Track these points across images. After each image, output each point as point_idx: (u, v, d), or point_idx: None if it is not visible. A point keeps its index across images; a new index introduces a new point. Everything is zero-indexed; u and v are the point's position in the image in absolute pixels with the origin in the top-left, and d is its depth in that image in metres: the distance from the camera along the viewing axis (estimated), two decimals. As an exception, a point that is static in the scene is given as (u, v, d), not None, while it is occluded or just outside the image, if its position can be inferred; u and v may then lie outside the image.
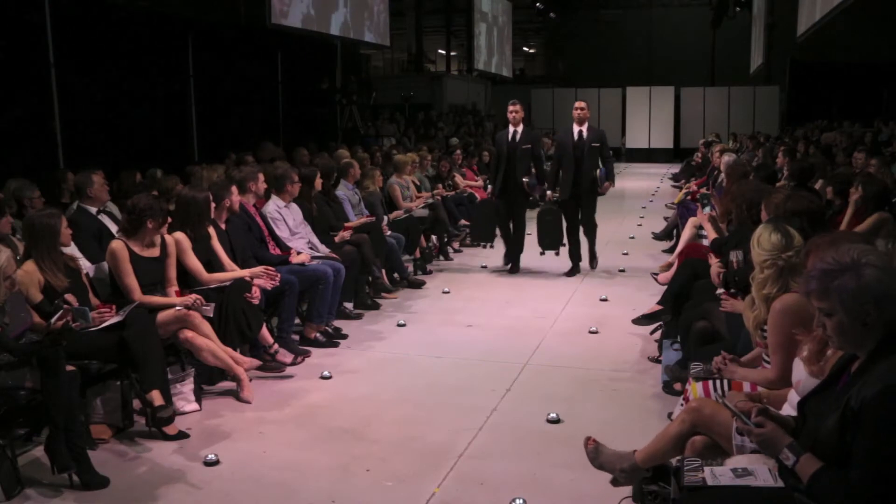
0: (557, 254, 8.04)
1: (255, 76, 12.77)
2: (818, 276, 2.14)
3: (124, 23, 9.88)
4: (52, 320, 3.73)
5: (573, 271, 7.99)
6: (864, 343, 2.14)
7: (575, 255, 8.02)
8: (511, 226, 8.16)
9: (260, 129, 12.56)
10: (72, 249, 4.70)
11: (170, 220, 4.74)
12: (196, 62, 11.14)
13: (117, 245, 4.53)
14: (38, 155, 8.31)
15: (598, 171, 7.89)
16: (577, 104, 7.93)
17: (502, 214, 8.15)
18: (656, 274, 6.62)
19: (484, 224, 8.55)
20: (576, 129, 7.85)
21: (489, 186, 8.55)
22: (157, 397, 3.98)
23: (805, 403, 2.34)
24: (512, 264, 8.16)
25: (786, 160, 8.91)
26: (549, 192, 8.07)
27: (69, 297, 4.02)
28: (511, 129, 7.97)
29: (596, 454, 3.06)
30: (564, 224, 7.99)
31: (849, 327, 2.11)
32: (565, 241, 8.02)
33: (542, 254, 8.17)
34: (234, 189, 5.44)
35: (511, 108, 8.00)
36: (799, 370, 2.73)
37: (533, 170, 8.11)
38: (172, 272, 4.72)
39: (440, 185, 9.75)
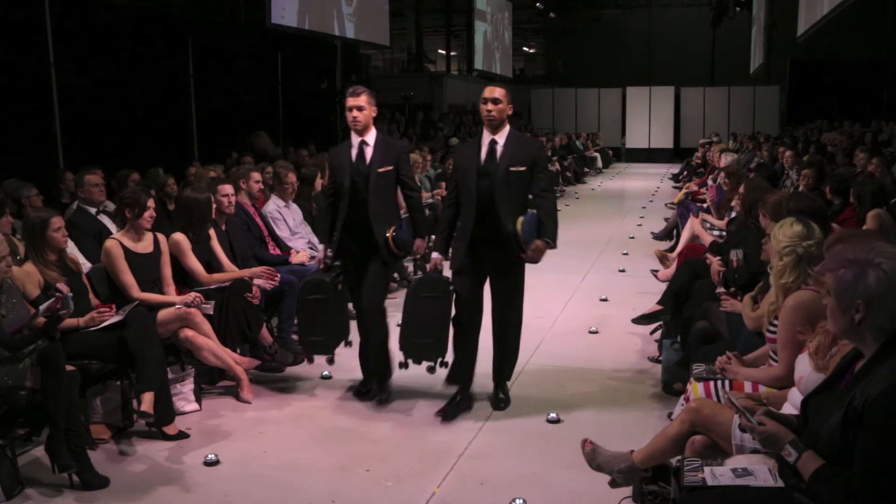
0: (433, 369, 4.37)
1: (255, 76, 12.78)
2: (836, 258, 2.19)
3: (124, 23, 9.88)
4: (41, 307, 3.71)
5: (454, 408, 4.35)
6: (858, 339, 2.16)
7: (464, 372, 4.43)
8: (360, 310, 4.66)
9: (260, 129, 12.56)
10: (72, 250, 4.71)
11: (154, 212, 4.67)
12: (196, 62, 11.14)
13: (111, 243, 4.54)
14: (38, 155, 8.32)
15: (523, 217, 4.10)
16: (485, 93, 4.31)
17: (344, 292, 4.65)
18: (656, 271, 6.62)
19: (320, 321, 4.52)
20: (485, 139, 4.31)
21: (321, 249, 4.83)
22: (146, 400, 3.95)
23: (807, 402, 2.35)
24: (366, 382, 4.69)
25: (797, 168, 8.78)
26: (434, 255, 4.49)
27: (61, 285, 3.97)
28: (355, 139, 4.51)
29: (593, 455, 3.07)
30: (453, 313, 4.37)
31: (838, 315, 2.15)
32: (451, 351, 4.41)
33: (403, 365, 4.40)
34: (225, 188, 5.39)
35: (350, 101, 4.46)
36: (802, 366, 2.74)
37: (402, 211, 4.85)
38: (167, 271, 4.71)
39: (442, 185, 9.76)
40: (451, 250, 4.50)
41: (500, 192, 4.19)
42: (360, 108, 4.44)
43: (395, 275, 7.29)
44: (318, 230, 4.85)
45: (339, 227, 4.51)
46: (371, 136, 4.52)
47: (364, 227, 4.42)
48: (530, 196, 4.32)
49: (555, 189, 4.45)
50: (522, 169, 4.25)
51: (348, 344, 4.72)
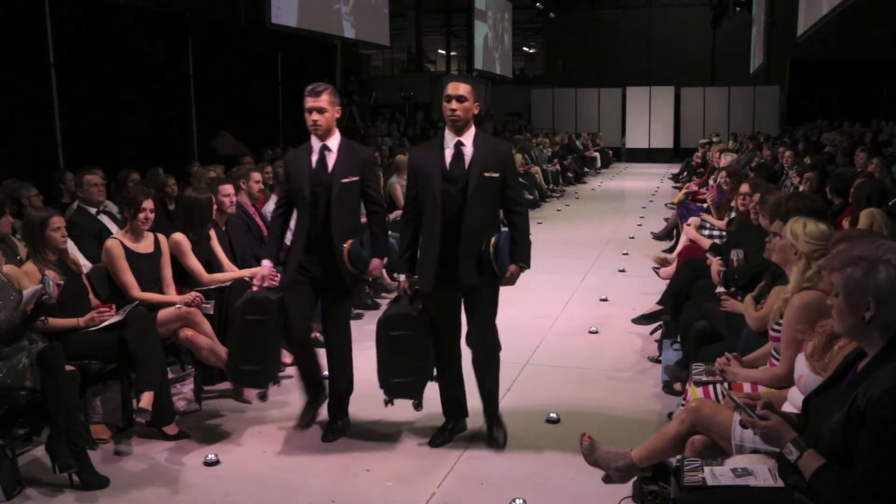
0: (419, 406, 4.04)
1: (255, 76, 12.78)
2: (841, 257, 2.17)
3: (124, 23, 9.89)
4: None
5: (448, 432, 4.09)
6: (864, 338, 2.15)
7: (453, 402, 4.11)
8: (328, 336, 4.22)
9: (260, 129, 12.57)
10: (72, 250, 4.71)
11: (150, 213, 4.63)
12: (196, 62, 11.15)
13: (111, 243, 4.54)
14: (38, 155, 8.32)
15: (496, 237, 3.79)
16: (448, 89, 3.82)
17: (300, 316, 4.04)
18: (657, 268, 6.62)
19: (256, 348, 3.98)
20: (449, 140, 3.85)
21: (266, 265, 4.19)
22: (145, 399, 3.94)
23: (809, 401, 2.34)
24: (328, 430, 4.15)
25: (797, 168, 8.73)
26: (401, 279, 4.06)
27: (49, 272, 3.92)
28: (315, 143, 4.03)
29: (591, 451, 3.06)
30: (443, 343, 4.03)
31: (847, 314, 2.13)
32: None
33: (388, 402, 4.04)
34: (225, 188, 5.39)
35: (309, 101, 3.96)
36: (802, 364, 2.74)
37: (365, 225, 4.19)
38: (168, 271, 4.71)
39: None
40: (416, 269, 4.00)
41: (474, 200, 3.76)
42: (320, 111, 3.95)
43: (396, 275, 7.27)
44: (270, 244, 4.31)
45: (298, 244, 4.02)
46: (334, 141, 4.03)
47: (326, 245, 3.95)
48: (501, 208, 3.94)
49: (525, 203, 4.07)
50: (496, 175, 3.82)
51: (276, 382, 4.22)
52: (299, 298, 4.00)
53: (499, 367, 4.05)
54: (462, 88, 3.79)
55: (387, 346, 3.91)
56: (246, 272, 5.07)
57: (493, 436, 4.01)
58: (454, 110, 3.79)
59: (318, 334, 5.60)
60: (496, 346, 3.99)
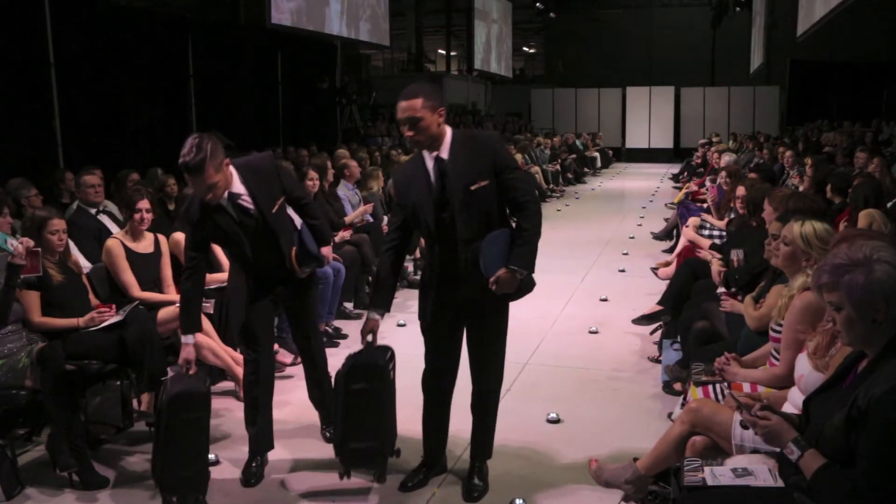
0: (382, 478, 3.51)
1: (255, 76, 12.79)
2: (829, 270, 2.13)
3: (124, 23, 9.90)
4: None
5: (423, 473, 3.64)
6: (873, 340, 2.13)
7: (433, 454, 3.68)
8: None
9: (260, 129, 12.58)
10: (72, 250, 4.71)
11: (146, 213, 4.61)
12: (196, 62, 11.16)
13: (112, 242, 4.56)
14: (38, 155, 8.33)
15: (489, 236, 3.21)
16: (398, 112, 3.17)
17: (264, 326, 3.78)
18: (656, 268, 6.61)
19: (194, 450, 3.36)
20: (428, 157, 3.27)
21: (186, 340, 3.59)
22: (146, 400, 3.95)
23: (809, 402, 2.34)
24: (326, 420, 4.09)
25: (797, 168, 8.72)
26: (373, 318, 3.47)
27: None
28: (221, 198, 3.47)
29: (599, 473, 3.08)
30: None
31: (858, 323, 2.10)
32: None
33: (344, 475, 3.45)
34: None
35: (192, 180, 3.36)
36: (802, 364, 2.74)
37: (303, 230, 3.83)
38: (168, 272, 4.71)
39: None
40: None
41: (462, 219, 3.21)
42: (210, 187, 3.35)
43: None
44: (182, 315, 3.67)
45: (249, 284, 3.67)
46: (237, 184, 3.50)
47: (280, 265, 3.68)
48: (508, 210, 3.37)
49: (534, 198, 3.38)
50: (485, 183, 3.20)
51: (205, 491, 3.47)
52: (263, 310, 3.73)
53: (496, 411, 3.60)
54: (410, 109, 3.11)
55: (346, 403, 3.35)
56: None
57: (472, 484, 3.50)
58: (410, 136, 3.18)
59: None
60: (497, 388, 3.56)
